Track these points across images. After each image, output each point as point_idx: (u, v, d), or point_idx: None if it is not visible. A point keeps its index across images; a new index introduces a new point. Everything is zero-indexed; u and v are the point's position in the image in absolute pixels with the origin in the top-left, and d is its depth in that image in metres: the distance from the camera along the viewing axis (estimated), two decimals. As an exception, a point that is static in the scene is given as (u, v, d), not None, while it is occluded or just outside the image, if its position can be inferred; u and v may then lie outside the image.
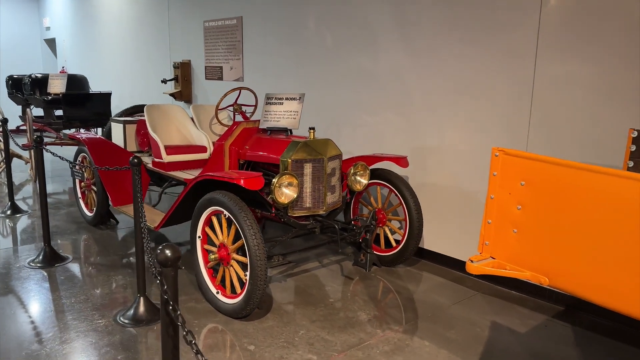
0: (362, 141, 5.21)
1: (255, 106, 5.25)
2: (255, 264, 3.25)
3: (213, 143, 5.22)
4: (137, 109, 6.42)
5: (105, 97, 8.65)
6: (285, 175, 3.66)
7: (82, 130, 8.56)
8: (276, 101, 4.33)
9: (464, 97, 4.28)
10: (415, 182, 4.68)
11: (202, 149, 5.16)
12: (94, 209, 5.48)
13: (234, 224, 3.41)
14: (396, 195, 4.36)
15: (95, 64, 10.90)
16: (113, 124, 5.88)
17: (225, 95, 4.97)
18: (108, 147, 5.32)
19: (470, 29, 4.15)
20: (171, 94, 7.98)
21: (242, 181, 3.34)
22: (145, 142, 5.46)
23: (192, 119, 5.55)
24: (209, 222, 3.71)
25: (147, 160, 5.44)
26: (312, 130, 3.95)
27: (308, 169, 3.88)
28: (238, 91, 5.09)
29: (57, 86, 8.50)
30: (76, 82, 9.34)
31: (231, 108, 5.21)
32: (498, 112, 4.07)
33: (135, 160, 3.42)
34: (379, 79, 4.97)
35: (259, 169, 4.36)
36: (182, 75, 7.86)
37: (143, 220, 3.35)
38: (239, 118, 5.35)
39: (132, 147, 5.77)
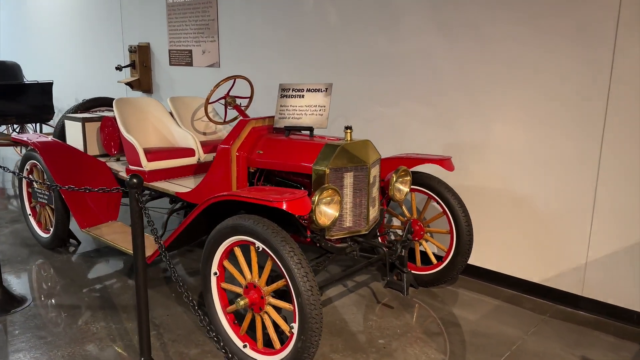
0: (377, 138, 4.43)
1: (251, 98, 4.35)
2: (308, 314, 2.43)
3: (202, 144, 4.28)
4: (96, 103, 5.31)
5: (46, 88, 7.35)
6: (328, 190, 2.84)
7: (31, 130, 7.26)
8: (294, 93, 3.47)
9: (518, 84, 3.60)
10: (450, 184, 3.98)
11: (189, 152, 4.20)
12: (50, 229, 4.40)
13: (271, 259, 2.57)
14: (438, 203, 3.65)
15: (30, 49, 9.36)
16: (68, 123, 4.77)
17: (218, 85, 4.04)
18: (65, 152, 4.25)
19: (529, 4, 3.46)
20: (127, 83, 6.84)
21: (284, 204, 2.49)
22: (114, 144, 4.42)
23: (171, 114, 4.56)
24: (228, 254, 2.84)
25: (118, 167, 4.42)
26: (349, 130, 3.14)
27: (349, 179, 3.08)
28: (232, 80, 4.16)
29: (-16, 75, 7.11)
30: (7, 71, 7.92)
31: (222, 101, 4.29)
32: (564, 103, 3.43)
33: (135, 180, 2.49)
34: (400, 63, 4.21)
35: (273, 179, 3.51)
36: (140, 60, 6.74)
37: (141, 259, 2.45)
38: (232, 114, 4.43)
39: (93, 150, 4.70)
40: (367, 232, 3.23)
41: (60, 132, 5.06)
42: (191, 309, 2.55)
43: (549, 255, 3.64)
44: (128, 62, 6.82)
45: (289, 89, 3.48)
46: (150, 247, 3.43)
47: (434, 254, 3.85)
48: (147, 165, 3.94)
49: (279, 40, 5.14)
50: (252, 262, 2.72)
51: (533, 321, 3.41)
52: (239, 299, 2.70)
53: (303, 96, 3.43)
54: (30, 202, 4.67)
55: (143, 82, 6.81)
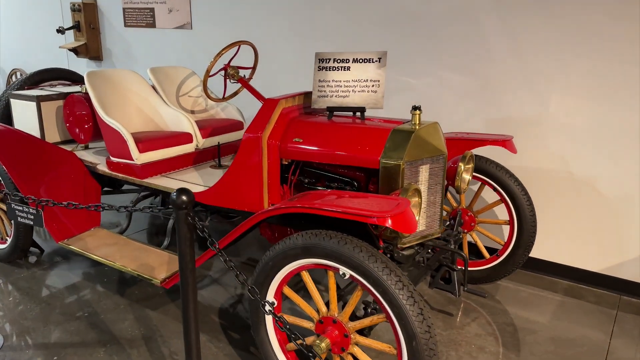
0: (402, 113, 3.84)
1: (254, 69, 3.58)
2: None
3: (197, 124, 3.50)
4: (47, 76, 4.28)
5: (-36, 55, 6.04)
6: (412, 191, 2.24)
7: None
8: (337, 65, 2.77)
9: (583, 51, 3.12)
10: (498, 166, 3.50)
11: (186, 138, 3.40)
12: (7, 239, 3.49)
13: (364, 289, 1.97)
14: (496, 190, 3.16)
15: None
16: (16, 102, 3.78)
17: (221, 54, 3.25)
18: (20, 142, 3.32)
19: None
20: (72, 49, 5.73)
21: (389, 221, 1.86)
22: (85, 130, 3.52)
23: (153, 88, 3.69)
24: (287, 280, 2.20)
25: (91, 158, 3.54)
26: (417, 112, 2.52)
27: (424, 173, 2.49)
28: (236, 48, 3.38)
29: None
30: None
31: (221, 73, 3.49)
32: (633, 73, 2.99)
33: (184, 198, 1.75)
34: (433, 24, 3.60)
35: (310, 172, 2.84)
36: (86, 21, 5.63)
37: (192, 302, 1.77)
38: (230, 89, 3.64)
39: (52, 136, 3.77)
40: (440, 235, 2.68)
41: (4, 114, 4.03)
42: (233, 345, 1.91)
43: (611, 243, 3.29)
44: (71, 24, 5.68)
45: (329, 59, 2.78)
46: (164, 266, 2.70)
47: (486, 247, 3.39)
48: (139, 158, 3.12)
49: (272, -3, 4.33)
50: (330, 291, 2.10)
51: (608, 318, 3.06)
52: (317, 340, 2.07)
53: (349, 68, 2.75)
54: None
55: (91, 47, 5.72)
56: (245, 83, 3.44)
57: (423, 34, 3.65)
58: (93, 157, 3.57)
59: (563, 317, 3.08)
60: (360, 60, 2.73)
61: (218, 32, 4.75)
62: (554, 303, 3.24)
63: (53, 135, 3.77)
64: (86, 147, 3.76)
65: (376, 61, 2.70)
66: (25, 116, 3.73)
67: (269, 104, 2.77)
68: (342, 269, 1.98)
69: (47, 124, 3.72)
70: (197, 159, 3.50)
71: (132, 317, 2.98)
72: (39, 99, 3.62)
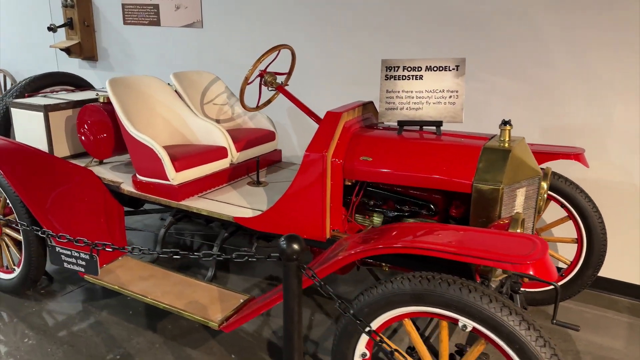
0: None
1: (289, 75, 3.25)
2: None
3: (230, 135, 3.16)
4: (48, 81, 3.84)
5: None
6: (521, 219, 1.97)
7: None
8: (408, 74, 2.48)
9: (657, 56, 2.92)
10: (557, 179, 3.27)
11: (221, 152, 3.06)
12: (15, 268, 3.08)
13: (491, 344, 1.69)
14: (564, 206, 2.93)
15: None
16: (17, 112, 3.35)
17: (261, 59, 2.92)
18: (29, 158, 2.92)
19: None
20: (64, 49, 5.25)
21: (530, 269, 1.59)
22: (105, 145, 3.12)
23: (179, 95, 3.32)
24: (382, 330, 1.91)
25: (109, 175, 3.16)
26: (508, 127, 2.25)
27: (520, 197, 2.23)
28: (276, 53, 3.05)
29: None
30: None
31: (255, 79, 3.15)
32: None
33: (295, 246, 1.43)
34: (481, 24, 3.34)
35: (378, 194, 2.55)
36: (80, 18, 5.16)
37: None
38: (267, 96, 3.30)
39: (62, 150, 3.36)
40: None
41: (1, 125, 3.59)
42: None
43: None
44: (64, 21, 5.19)
45: (398, 67, 2.49)
46: (217, 305, 2.36)
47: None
48: (176, 178, 2.76)
49: (297, -5, 3.99)
50: (443, 344, 1.81)
51: (688, 343, 2.88)
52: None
53: (421, 77, 2.46)
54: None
55: (85, 47, 5.26)
56: (284, 90, 3.11)
57: (470, 35, 3.39)
58: (112, 174, 3.18)
59: (636, 341, 2.88)
60: (435, 68, 2.44)
61: (232, 31, 4.38)
62: (622, 325, 3.04)
63: (62, 149, 3.36)
64: (100, 162, 3.36)
65: (453, 69, 2.42)
66: (29, 128, 3.31)
67: (331, 118, 2.46)
68: (463, 321, 1.70)
69: (55, 137, 3.31)
70: (232, 176, 3.16)
71: (173, 359, 2.64)
72: (47, 109, 3.21)
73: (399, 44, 3.65)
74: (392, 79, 2.49)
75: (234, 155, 3.14)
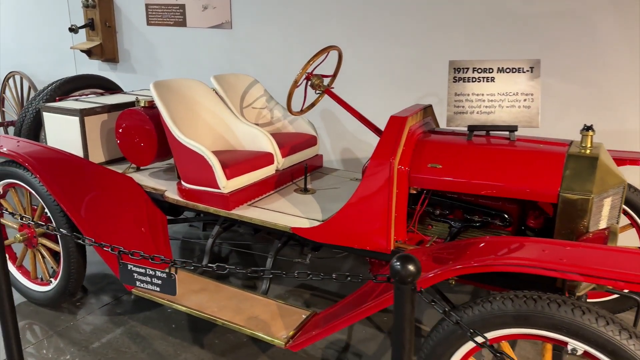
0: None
1: (334, 76, 3.12)
2: None
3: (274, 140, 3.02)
4: (78, 84, 3.70)
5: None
6: (617, 232, 1.84)
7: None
8: (478, 75, 2.35)
9: None
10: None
11: (268, 159, 2.92)
12: (52, 281, 2.94)
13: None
14: (627, 214, 2.81)
15: None
16: (50, 117, 3.20)
17: (311, 61, 2.79)
18: (69, 166, 2.78)
19: None
20: (85, 50, 5.11)
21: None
22: (147, 150, 2.98)
23: (221, 99, 3.18)
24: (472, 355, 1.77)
25: (150, 182, 3.02)
26: (590, 133, 2.13)
27: (606, 207, 2.10)
28: (324, 55, 2.91)
29: None
30: None
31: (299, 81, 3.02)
32: None
33: (411, 268, 1.30)
34: (539, 27, 3.21)
35: (445, 203, 2.42)
36: (101, 19, 5.02)
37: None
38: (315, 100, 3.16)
39: (97, 156, 3.23)
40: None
41: (31, 129, 3.45)
42: None
43: None
44: (85, 22, 5.05)
45: (467, 69, 2.36)
46: (278, 320, 2.22)
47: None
48: (227, 186, 2.62)
49: (334, -6, 3.85)
50: (545, 366, 1.68)
51: None
52: None
53: (493, 79, 2.33)
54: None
55: (107, 48, 5.11)
56: (331, 93, 2.98)
57: (523, 36, 3.27)
58: (152, 181, 3.04)
59: None
60: (508, 70, 2.31)
61: (263, 32, 4.24)
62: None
63: (97, 155, 3.22)
64: (138, 169, 3.22)
65: (527, 71, 2.29)
66: (63, 133, 3.17)
67: (395, 123, 2.33)
68: (574, 344, 1.57)
69: (90, 142, 3.17)
70: (278, 182, 3.02)
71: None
72: (82, 113, 3.06)
73: (442, 45, 3.53)
74: (461, 81, 2.36)
75: (280, 162, 3.00)
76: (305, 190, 2.97)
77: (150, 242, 2.76)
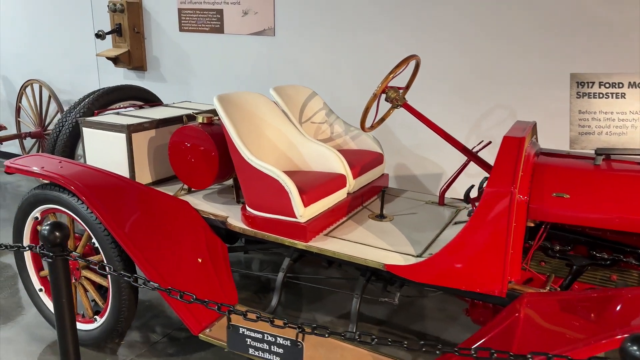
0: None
1: (407, 88, 2.80)
2: None
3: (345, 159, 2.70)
4: (116, 96, 3.37)
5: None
6: None
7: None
8: (605, 91, 2.04)
9: None
10: None
11: (341, 181, 2.60)
12: (97, 319, 2.60)
13: None
14: None
15: None
16: (90, 132, 2.87)
17: (393, 72, 2.48)
18: (114, 188, 2.46)
19: None
20: (111, 58, 4.78)
21: None
22: (208, 172, 2.64)
23: (285, 113, 2.86)
24: None
25: (208, 207, 2.69)
26: None
27: None
28: (405, 66, 2.60)
29: None
30: None
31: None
32: None
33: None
34: (623, 33, 2.91)
35: (565, 237, 2.10)
36: (130, 24, 4.71)
37: None
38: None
39: (144, 176, 2.90)
40: None
41: (66, 145, 3.13)
42: None
43: None
44: (113, 27, 4.73)
45: (593, 83, 2.04)
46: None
47: None
48: (304, 214, 2.29)
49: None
50: None
51: None
52: None
53: (624, 95, 2.02)
54: (38, 270, 2.78)
55: (135, 56, 4.80)
56: (410, 107, 2.67)
57: (612, 44, 2.96)
58: (208, 205, 2.72)
59: None
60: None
61: (309, 40, 3.93)
62: None
63: (144, 176, 2.89)
64: (189, 191, 2.89)
65: (666, 86, 1.98)
66: (105, 151, 2.85)
67: (511, 145, 2.01)
68: None
69: (140, 161, 2.84)
70: (350, 207, 2.70)
71: None
72: (129, 129, 2.74)
73: (505, 52, 3.22)
74: (586, 97, 2.04)
75: (351, 184, 2.68)
76: (381, 217, 2.64)
77: (214, 277, 2.43)
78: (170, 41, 4.68)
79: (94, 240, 2.43)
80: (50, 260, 1.52)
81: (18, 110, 5.60)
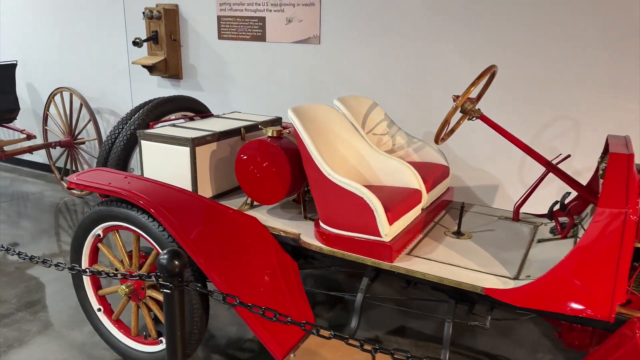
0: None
1: (478, 99, 2.70)
2: None
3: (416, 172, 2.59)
4: (170, 107, 3.27)
5: (7, 73, 4.90)
6: None
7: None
8: None
9: None
10: None
11: (417, 197, 2.49)
12: (162, 340, 2.49)
13: None
14: None
15: None
16: (150, 145, 2.77)
17: (476, 83, 2.37)
18: (185, 205, 2.35)
19: None
20: (147, 66, 4.69)
21: None
22: (279, 187, 2.53)
23: (353, 125, 2.75)
24: None
25: (275, 223, 2.58)
26: None
27: None
28: (486, 76, 2.49)
29: None
30: None
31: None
32: None
33: None
34: None
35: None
36: (167, 32, 4.62)
37: None
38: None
39: (205, 190, 2.79)
40: None
41: (120, 158, 3.02)
42: None
43: None
44: (149, 35, 4.64)
45: None
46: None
47: None
48: (390, 232, 2.18)
49: (447, 3, 3.45)
50: None
51: None
52: None
53: None
54: (96, 289, 2.68)
55: (171, 64, 4.70)
56: (487, 119, 2.56)
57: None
58: (276, 220, 2.61)
59: None
60: None
61: (357, 48, 3.84)
62: None
63: (205, 190, 2.79)
64: (252, 206, 2.79)
65: None
66: (167, 164, 2.74)
67: (621, 162, 1.90)
68: None
69: (203, 174, 2.74)
70: (424, 223, 2.59)
71: None
72: (194, 143, 2.63)
73: (580, 61, 3.12)
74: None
75: (425, 198, 2.57)
76: (458, 234, 2.53)
77: (288, 297, 2.32)
78: (208, 49, 4.59)
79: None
80: (168, 291, 1.40)
81: (45, 118, 5.51)
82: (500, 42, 3.33)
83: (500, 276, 2.10)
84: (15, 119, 5.06)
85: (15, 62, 4.90)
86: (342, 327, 2.94)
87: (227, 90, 4.58)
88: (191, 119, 3.27)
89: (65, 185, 5.41)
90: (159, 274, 1.42)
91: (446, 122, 2.43)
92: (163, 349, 2.48)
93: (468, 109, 2.54)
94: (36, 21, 5.55)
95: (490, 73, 2.50)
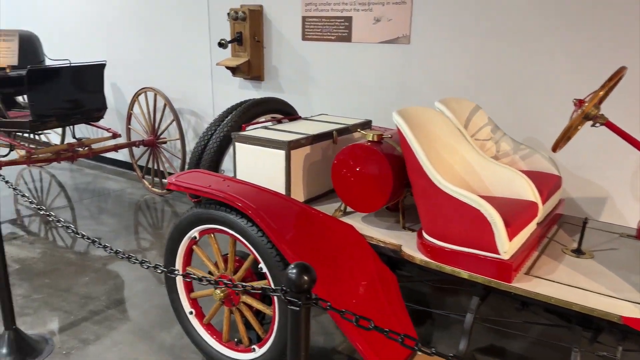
0: None
1: (601, 102, 2.42)
2: None
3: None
4: (263, 109, 3.21)
5: (96, 73, 5.07)
6: None
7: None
8: None
9: None
10: None
11: (533, 209, 2.26)
12: (255, 349, 2.41)
13: None
14: None
15: (45, 12, 6.62)
16: (244, 148, 2.70)
17: (606, 86, 2.13)
18: (285, 210, 2.26)
19: None
20: (231, 67, 4.69)
21: None
22: (380, 196, 2.39)
23: (459, 130, 2.57)
24: None
25: (373, 232, 2.43)
26: None
27: None
28: (616, 79, 2.24)
29: (5, 54, 4.76)
30: (25, 47, 5.51)
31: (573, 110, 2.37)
32: None
33: None
34: None
35: None
36: (251, 33, 4.59)
37: None
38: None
39: (297, 195, 2.69)
40: None
41: (213, 160, 2.98)
42: None
43: None
44: (233, 36, 4.63)
45: None
46: None
47: None
48: (509, 249, 1.98)
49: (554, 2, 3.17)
50: None
51: None
52: None
53: None
54: (188, 292, 2.64)
55: (253, 65, 4.68)
56: (613, 126, 2.30)
57: None
58: (372, 229, 2.46)
59: None
60: None
61: (450, 49, 3.63)
62: None
63: (297, 193, 2.69)
64: (344, 213, 2.66)
65: None
66: (260, 167, 2.66)
67: None
68: None
69: (296, 177, 2.64)
70: (539, 239, 2.36)
71: None
72: (289, 146, 2.54)
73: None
74: None
75: (540, 210, 2.34)
76: (578, 252, 2.29)
77: (390, 311, 2.17)
78: (291, 50, 4.53)
79: (261, 265, 2.23)
80: (296, 308, 1.29)
81: (129, 117, 5.66)
82: (620, 44, 3.03)
83: (638, 303, 1.85)
84: (102, 117, 5.21)
85: (104, 62, 5.05)
86: (438, 346, 2.75)
87: (308, 91, 4.50)
88: (279, 121, 3.19)
89: (147, 183, 5.53)
90: (285, 288, 1.31)
91: (570, 128, 2.20)
92: (256, 358, 2.39)
93: (593, 114, 2.29)
94: (121, 22, 5.72)
95: (620, 76, 2.24)
